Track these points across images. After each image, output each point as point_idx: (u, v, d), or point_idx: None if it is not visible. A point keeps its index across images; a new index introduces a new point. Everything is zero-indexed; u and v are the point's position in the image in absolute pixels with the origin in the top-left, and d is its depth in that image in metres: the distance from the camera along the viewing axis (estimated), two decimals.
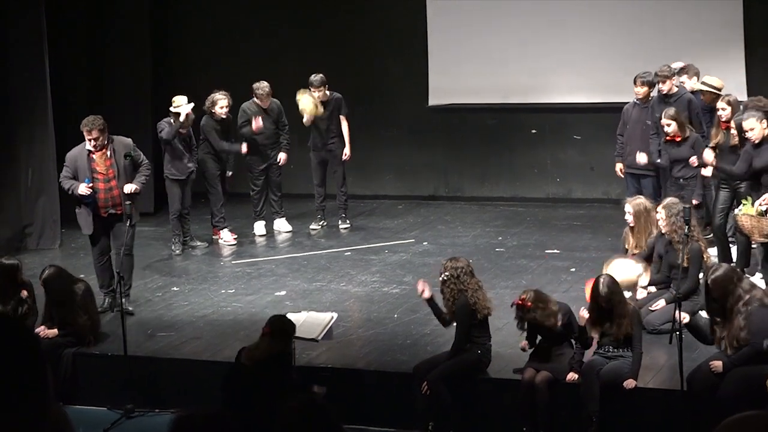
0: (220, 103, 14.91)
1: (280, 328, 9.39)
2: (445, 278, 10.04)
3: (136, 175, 12.28)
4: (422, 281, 10.38)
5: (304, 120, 15.32)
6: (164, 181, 14.94)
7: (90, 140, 12.09)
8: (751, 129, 11.65)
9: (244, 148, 15.02)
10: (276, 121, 15.37)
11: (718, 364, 9.33)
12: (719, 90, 13.15)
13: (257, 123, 15.06)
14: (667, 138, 12.97)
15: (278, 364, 9.20)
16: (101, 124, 12.10)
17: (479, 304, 9.98)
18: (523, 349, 10.03)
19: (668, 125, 12.87)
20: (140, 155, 12.46)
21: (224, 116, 14.98)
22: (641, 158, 13.45)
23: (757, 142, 11.64)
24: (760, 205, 11.25)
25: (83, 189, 12.05)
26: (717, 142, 12.48)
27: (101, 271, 12.54)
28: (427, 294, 10.26)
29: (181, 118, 14.38)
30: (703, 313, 10.91)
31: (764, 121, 11.61)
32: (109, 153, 12.18)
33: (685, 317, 9.88)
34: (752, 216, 11.29)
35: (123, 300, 11.47)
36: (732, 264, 10.28)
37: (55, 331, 11.16)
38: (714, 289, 9.42)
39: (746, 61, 15.63)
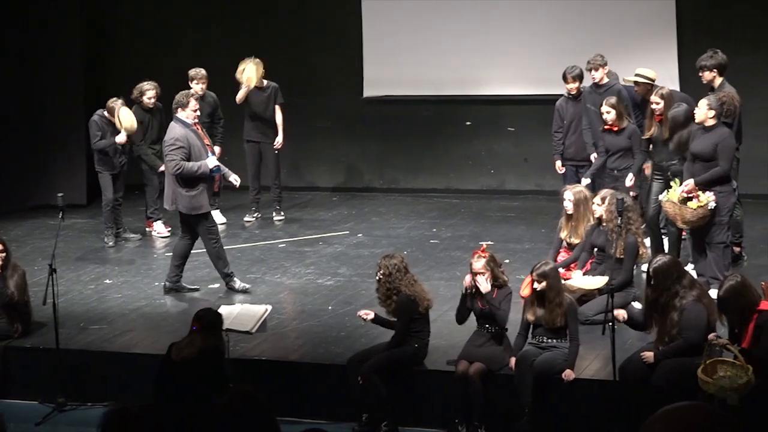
0: (148, 94, 14.89)
1: (209, 322, 9.21)
2: (380, 277, 10.04)
3: None
4: (360, 312, 10.39)
5: (239, 95, 15.26)
6: (96, 173, 14.79)
7: (196, 104, 12.41)
8: (697, 107, 11.74)
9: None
10: (211, 114, 15.30)
11: (649, 355, 9.41)
12: (653, 81, 13.09)
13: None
14: (606, 127, 12.94)
15: (210, 359, 9.05)
16: None
17: (419, 297, 9.98)
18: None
19: (608, 113, 12.77)
20: None
21: (151, 105, 14.93)
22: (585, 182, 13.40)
23: (697, 122, 11.69)
24: (682, 192, 11.39)
25: (213, 161, 12.22)
26: (651, 134, 12.52)
27: (220, 252, 12.47)
28: (370, 316, 10.27)
29: (118, 139, 14.33)
30: (636, 304, 11.01)
31: (712, 110, 11.62)
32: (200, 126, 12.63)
33: (623, 314, 9.94)
34: (674, 203, 11.45)
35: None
36: (676, 258, 10.30)
37: None
38: (654, 279, 9.51)
39: (678, 52, 15.73)
